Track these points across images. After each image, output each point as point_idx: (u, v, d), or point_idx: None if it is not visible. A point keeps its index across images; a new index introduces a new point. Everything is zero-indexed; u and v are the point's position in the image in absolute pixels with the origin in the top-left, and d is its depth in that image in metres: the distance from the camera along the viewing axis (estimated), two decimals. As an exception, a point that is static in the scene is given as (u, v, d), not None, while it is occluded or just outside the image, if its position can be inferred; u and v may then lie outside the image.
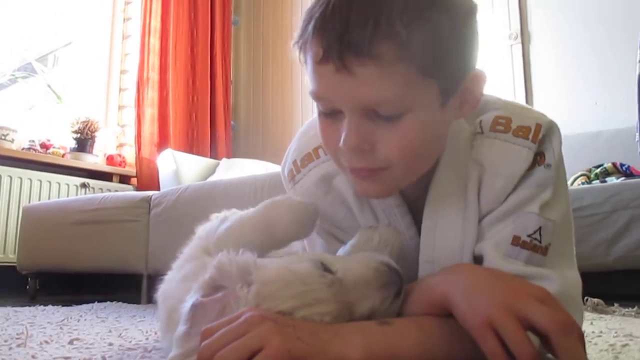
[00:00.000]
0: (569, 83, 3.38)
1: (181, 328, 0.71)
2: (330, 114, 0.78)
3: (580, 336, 0.63)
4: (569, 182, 2.57)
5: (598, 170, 2.68)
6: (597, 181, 2.57)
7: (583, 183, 2.60)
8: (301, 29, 0.76)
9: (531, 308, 0.63)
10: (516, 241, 0.79)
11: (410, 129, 0.74)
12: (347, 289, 0.72)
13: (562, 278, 0.77)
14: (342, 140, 0.76)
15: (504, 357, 0.62)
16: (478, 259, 0.82)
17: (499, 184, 0.82)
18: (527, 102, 3.46)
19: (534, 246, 0.78)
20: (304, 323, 0.67)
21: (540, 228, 0.79)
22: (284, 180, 1.01)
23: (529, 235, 0.79)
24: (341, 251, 0.89)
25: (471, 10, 0.77)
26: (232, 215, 0.96)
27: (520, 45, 3.54)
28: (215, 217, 1.03)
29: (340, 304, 0.71)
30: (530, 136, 0.82)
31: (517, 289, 0.67)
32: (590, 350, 0.94)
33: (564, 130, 2.84)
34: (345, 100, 0.74)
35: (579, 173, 2.72)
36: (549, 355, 0.64)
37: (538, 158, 0.82)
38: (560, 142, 0.84)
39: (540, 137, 0.82)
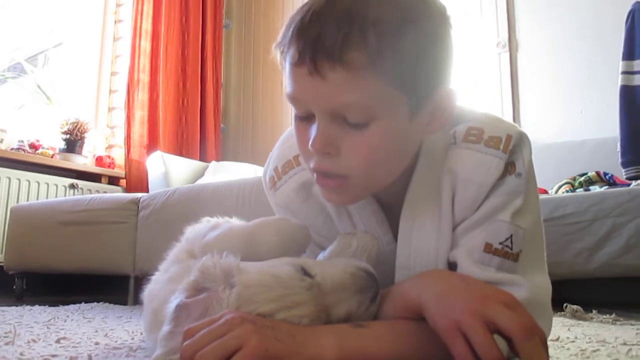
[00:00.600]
0: (556, 92, 3.43)
1: (165, 328, 0.73)
2: (304, 118, 0.82)
3: (543, 340, 0.66)
4: (553, 190, 2.63)
5: (582, 179, 2.71)
6: (581, 189, 2.60)
7: (567, 191, 2.64)
8: (282, 33, 0.79)
9: (497, 313, 0.66)
10: (488, 248, 0.82)
11: (375, 137, 0.78)
12: (325, 292, 0.75)
13: (531, 284, 0.81)
14: (310, 141, 0.79)
15: (471, 357, 0.65)
16: (452, 265, 0.86)
17: (471, 192, 0.85)
18: (514, 110, 3.50)
19: (505, 253, 0.82)
20: (282, 325, 0.70)
21: (511, 235, 0.82)
22: (265, 186, 1.04)
23: (500, 243, 0.82)
24: (320, 257, 0.92)
25: (445, 26, 0.80)
26: (223, 224, 0.98)
27: (508, 54, 3.59)
28: (206, 221, 1.05)
29: (318, 307, 0.73)
30: (501, 146, 0.85)
31: (485, 295, 0.70)
32: (561, 354, 0.97)
33: (550, 139, 2.89)
34: (317, 104, 0.77)
35: (564, 181, 2.76)
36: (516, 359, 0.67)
37: (509, 167, 0.85)
38: (531, 152, 0.87)
39: (511, 147, 0.85)
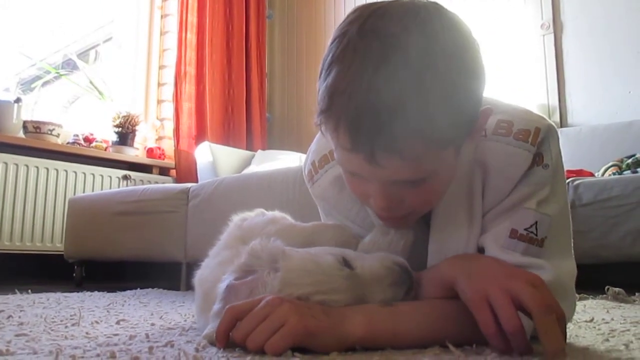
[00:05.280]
0: (602, 73, 3.36)
1: (216, 306, 0.83)
2: (357, 174, 0.84)
3: (561, 317, 0.71)
4: (600, 173, 2.60)
5: (630, 161, 2.67)
6: (629, 171, 2.56)
7: (614, 173, 2.60)
8: (322, 112, 0.79)
9: (522, 289, 0.72)
10: (514, 234, 0.87)
11: (433, 185, 0.83)
12: (361, 283, 0.82)
13: (555, 268, 0.85)
14: (372, 202, 0.85)
15: (494, 326, 0.72)
16: (481, 250, 0.91)
17: (500, 183, 0.90)
18: (559, 92, 3.46)
19: (530, 239, 0.86)
20: (316, 305, 0.78)
21: (536, 222, 0.86)
22: (305, 179, 1.10)
23: (525, 229, 0.86)
24: (360, 245, 0.98)
25: (479, 57, 0.81)
26: (281, 219, 1.05)
27: (552, 35, 3.53)
28: (260, 213, 1.11)
29: (354, 295, 0.81)
30: (530, 139, 0.88)
31: (513, 274, 0.77)
32: (589, 334, 1.00)
33: (596, 120, 2.86)
34: (374, 178, 0.81)
35: (611, 163, 2.72)
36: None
37: (537, 159, 0.89)
38: (558, 144, 0.91)
39: (539, 139, 0.89)
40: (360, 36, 0.76)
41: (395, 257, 0.87)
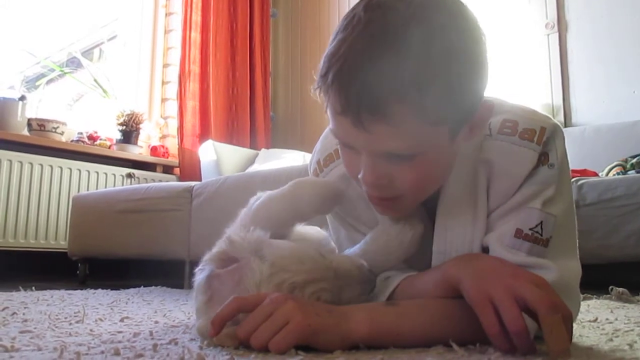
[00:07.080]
0: (606, 72, 3.35)
1: (201, 298, 0.82)
2: (349, 146, 0.85)
3: (567, 317, 0.71)
4: (604, 172, 2.59)
5: (634, 161, 2.66)
6: (633, 171, 2.56)
7: (618, 173, 2.60)
8: (320, 77, 0.81)
9: (527, 290, 0.72)
10: (519, 234, 0.86)
11: (422, 166, 0.82)
12: (338, 275, 0.85)
13: (560, 268, 0.85)
14: (361, 176, 0.84)
15: (497, 326, 0.72)
16: (485, 250, 0.91)
17: (506, 182, 0.89)
18: (563, 92, 3.45)
19: (535, 238, 0.86)
20: (318, 303, 0.79)
21: (541, 222, 0.86)
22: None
23: (530, 229, 0.86)
24: (362, 243, 0.98)
25: (481, 43, 0.81)
26: (262, 194, 1.04)
27: (557, 35, 3.52)
28: (253, 199, 1.11)
29: (334, 285, 0.84)
30: (535, 139, 0.88)
31: (517, 274, 0.76)
32: (592, 334, 1.00)
33: (601, 120, 2.85)
34: (362, 147, 0.82)
35: (615, 163, 2.72)
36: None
37: (542, 158, 0.88)
38: (564, 144, 0.91)
39: (545, 139, 0.88)
40: (365, 10, 0.78)
41: (363, 260, 0.91)
